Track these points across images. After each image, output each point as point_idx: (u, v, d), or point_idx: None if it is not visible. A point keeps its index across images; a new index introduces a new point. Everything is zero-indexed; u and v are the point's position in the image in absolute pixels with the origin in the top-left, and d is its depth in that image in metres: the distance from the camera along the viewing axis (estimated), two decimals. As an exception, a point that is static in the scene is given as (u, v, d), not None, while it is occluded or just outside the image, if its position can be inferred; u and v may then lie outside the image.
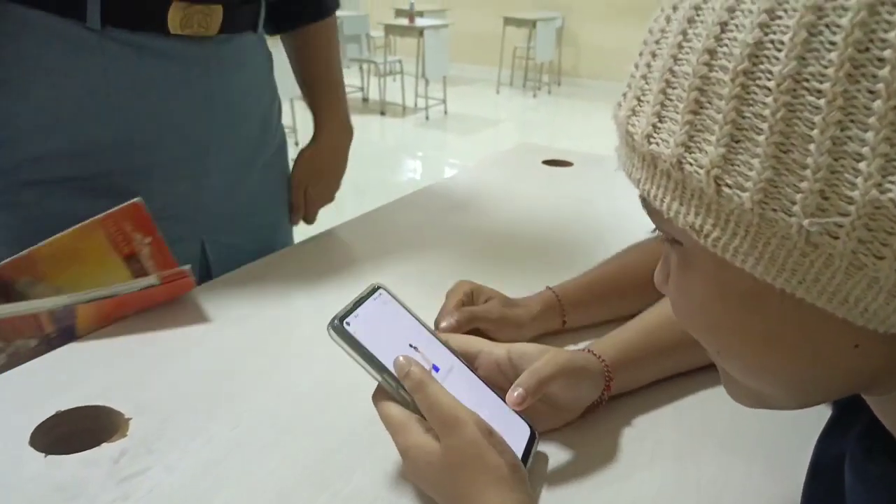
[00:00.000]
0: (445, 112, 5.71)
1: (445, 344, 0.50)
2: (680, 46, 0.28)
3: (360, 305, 0.47)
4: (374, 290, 0.49)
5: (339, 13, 0.90)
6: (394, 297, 0.50)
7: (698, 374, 0.60)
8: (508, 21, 6.43)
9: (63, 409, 0.53)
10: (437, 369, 0.47)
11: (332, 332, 0.44)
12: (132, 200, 0.65)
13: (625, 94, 0.33)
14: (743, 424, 0.55)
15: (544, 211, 1.02)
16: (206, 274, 0.78)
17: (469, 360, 0.51)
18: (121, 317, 0.66)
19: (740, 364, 0.34)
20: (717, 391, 0.59)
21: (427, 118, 5.53)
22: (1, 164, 0.65)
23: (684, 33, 0.28)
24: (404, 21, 5.61)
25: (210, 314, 0.69)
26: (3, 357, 0.62)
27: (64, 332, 0.63)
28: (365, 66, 5.73)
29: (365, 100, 5.88)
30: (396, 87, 5.81)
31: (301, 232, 0.96)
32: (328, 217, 1.00)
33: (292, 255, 0.86)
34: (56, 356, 0.61)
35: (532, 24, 6.29)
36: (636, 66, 0.32)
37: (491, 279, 0.68)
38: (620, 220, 0.99)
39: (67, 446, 0.50)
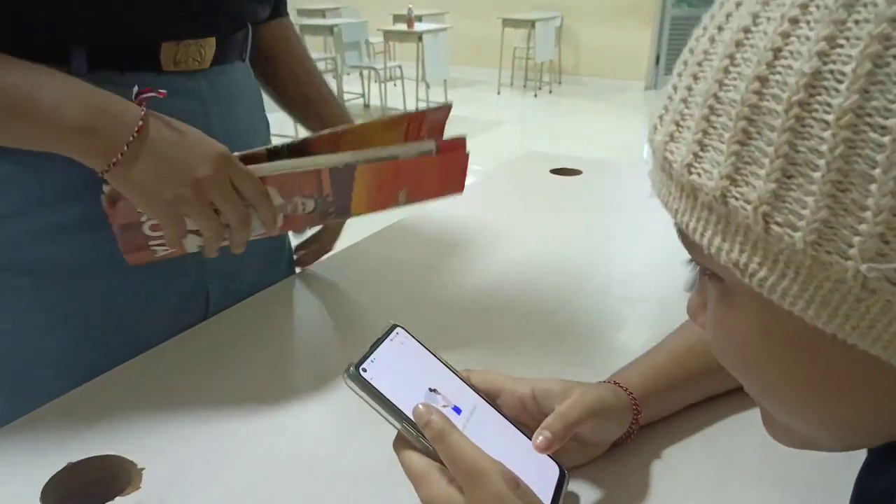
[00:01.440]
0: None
1: (467, 382, 0.48)
2: (727, 71, 0.26)
3: (377, 348, 0.45)
4: (391, 328, 0.48)
5: (338, 21, 0.86)
6: (412, 335, 0.48)
7: (727, 397, 0.58)
8: (507, 22, 6.42)
9: (74, 460, 0.52)
10: (458, 411, 0.45)
11: (348, 380, 0.43)
12: (444, 103, 0.71)
13: (661, 117, 0.31)
14: (777, 454, 0.53)
15: (556, 228, 1.00)
16: (205, 311, 0.75)
17: (492, 397, 0.49)
18: (393, 197, 0.69)
19: (782, 405, 0.32)
20: (747, 416, 0.57)
21: (429, 123, 5.51)
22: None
23: (731, 57, 0.26)
24: (403, 26, 5.59)
25: (216, 354, 0.67)
26: (281, 218, 0.63)
27: (338, 201, 0.65)
28: (365, 72, 5.72)
29: (366, 106, 5.87)
30: (397, 92, 5.79)
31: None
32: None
33: (296, 285, 0.84)
34: (67, 401, 0.59)
35: (531, 24, 6.27)
36: (674, 88, 0.30)
37: (505, 310, 0.66)
38: (632, 232, 0.98)
39: (80, 501, 0.49)
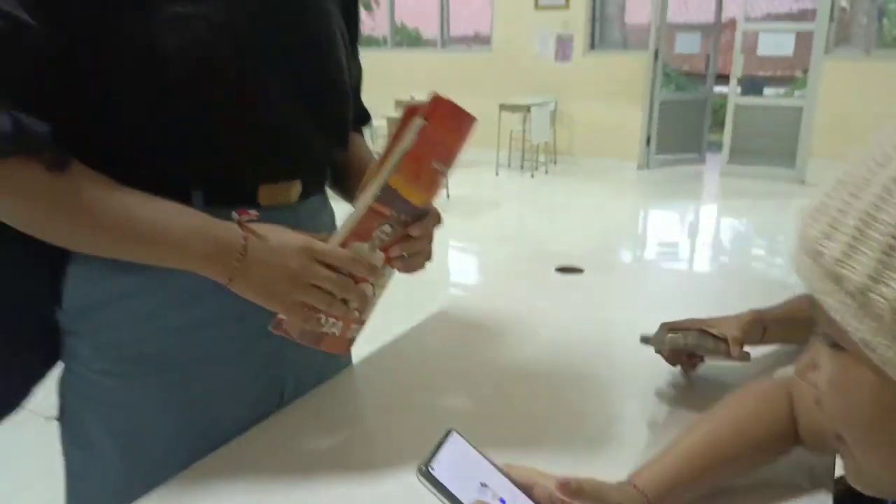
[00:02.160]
0: (448, 196, 5.91)
1: (507, 476, 0.61)
2: (882, 198, 0.37)
3: (440, 450, 0.58)
4: (448, 434, 0.61)
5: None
6: (464, 438, 0.62)
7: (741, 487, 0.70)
8: (504, 107, 6.73)
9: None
10: (504, 502, 0.58)
11: (421, 477, 0.56)
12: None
13: (815, 217, 0.42)
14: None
15: (564, 325, 1.14)
16: (280, 400, 0.89)
17: (526, 490, 0.62)
18: (433, 174, 0.76)
19: (877, 457, 0.42)
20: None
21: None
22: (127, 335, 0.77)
23: (888, 189, 0.37)
24: (405, 112, 5.86)
25: (294, 441, 0.80)
26: (379, 256, 0.75)
27: (403, 208, 0.75)
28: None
29: (370, 187, 6.09)
30: (400, 173, 6.02)
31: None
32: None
33: (355, 374, 0.97)
34: (170, 489, 0.72)
35: (527, 108, 6.59)
36: (829, 196, 0.41)
37: (517, 414, 0.79)
38: (632, 329, 1.12)
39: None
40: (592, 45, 7.22)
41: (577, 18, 7.10)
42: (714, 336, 0.89)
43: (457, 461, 0.59)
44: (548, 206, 6.05)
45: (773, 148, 6.55)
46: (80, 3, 0.65)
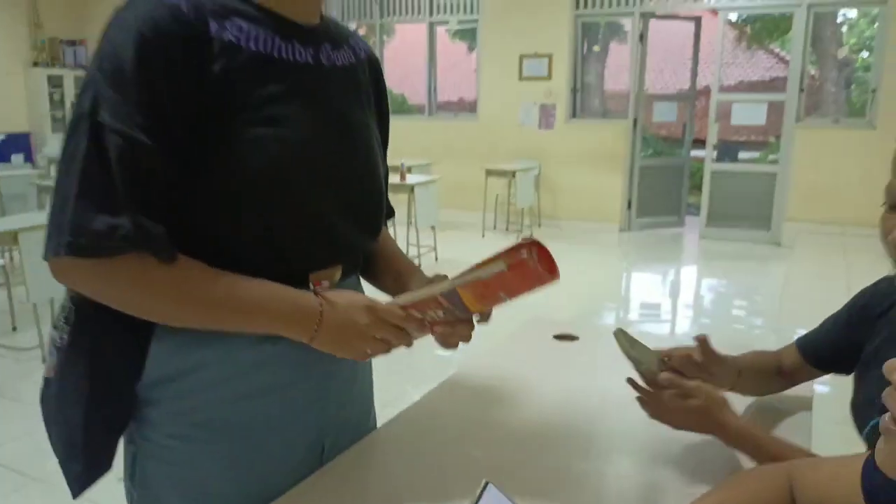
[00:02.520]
0: (436, 259, 6.06)
1: None
2: None
3: (479, 500, 0.69)
4: (485, 486, 0.72)
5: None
6: (498, 489, 0.73)
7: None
8: (490, 172, 6.96)
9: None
10: None
11: None
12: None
13: None
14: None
15: (563, 388, 1.26)
16: (321, 460, 1.00)
17: None
18: (496, 298, 0.86)
19: None
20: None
21: (419, 265, 5.85)
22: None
23: None
24: (395, 178, 6.07)
25: (338, 497, 0.90)
26: (418, 329, 0.89)
27: (459, 307, 0.87)
28: (359, 218, 6.12)
29: (360, 249, 6.22)
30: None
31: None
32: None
33: (380, 435, 1.08)
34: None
35: (512, 174, 6.82)
36: None
37: (535, 470, 0.90)
38: (625, 394, 1.24)
39: None
40: (574, 114, 7.54)
41: (559, 88, 7.43)
42: (658, 361, 1.03)
43: None
44: (534, 267, 6.20)
45: (750, 211, 6.81)
46: (182, 128, 0.80)
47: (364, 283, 1.10)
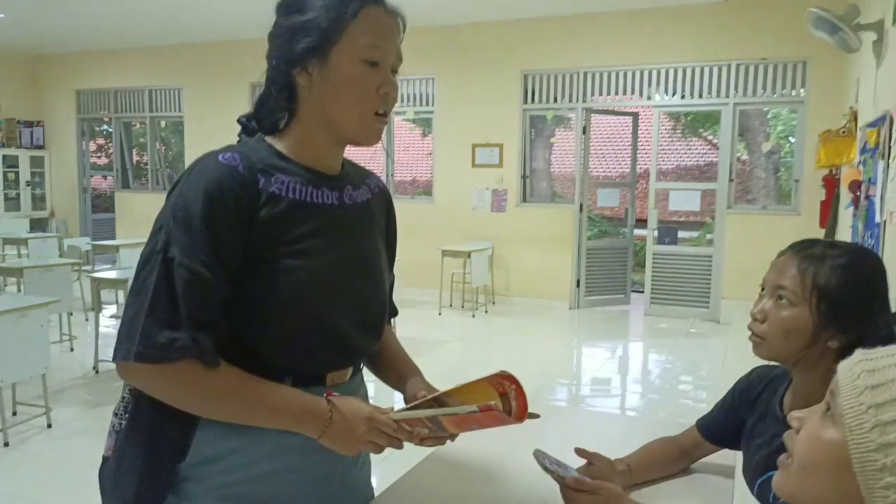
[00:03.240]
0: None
1: None
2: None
3: None
4: None
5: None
6: None
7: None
8: (446, 253, 7.27)
9: None
10: None
11: None
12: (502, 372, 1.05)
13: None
14: None
15: (528, 466, 1.49)
16: None
17: None
18: (469, 428, 1.08)
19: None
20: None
21: (380, 343, 6.03)
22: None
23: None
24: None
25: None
26: (406, 439, 1.08)
27: (440, 429, 1.07)
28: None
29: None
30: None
31: None
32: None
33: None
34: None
35: (467, 254, 7.14)
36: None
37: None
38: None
39: None
40: (524, 199, 7.99)
41: (509, 175, 7.90)
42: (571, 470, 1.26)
43: None
44: (490, 344, 6.45)
45: (690, 290, 7.25)
46: (234, 261, 1.04)
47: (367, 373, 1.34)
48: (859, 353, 0.73)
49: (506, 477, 1.41)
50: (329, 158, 1.17)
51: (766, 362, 1.30)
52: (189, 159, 9.74)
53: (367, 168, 1.31)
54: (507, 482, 1.39)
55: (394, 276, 1.36)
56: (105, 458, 1.12)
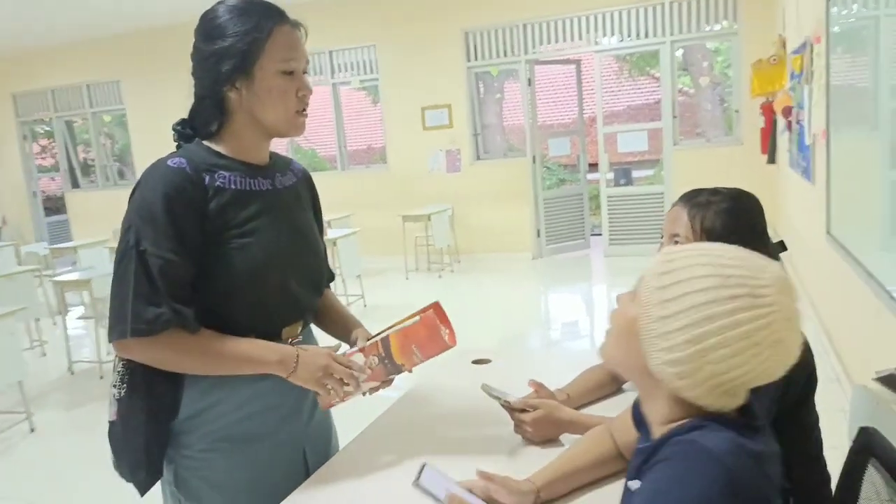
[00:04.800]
0: (365, 305, 6.38)
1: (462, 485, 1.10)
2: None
3: (419, 478, 1.07)
4: (422, 466, 1.09)
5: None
6: (434, 468, 1.09)
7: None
8: (407, 218, 7.38)
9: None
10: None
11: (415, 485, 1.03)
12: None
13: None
14: None
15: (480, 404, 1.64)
16: (307, 470, 1.40)
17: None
18: (412, 353, 1.30)
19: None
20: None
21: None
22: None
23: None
24: (318, 233, 6.37)
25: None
26: (368, 370, 1.32)
27: (388, 356, 1.31)
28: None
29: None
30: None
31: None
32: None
33: (351, 449, 1.43)
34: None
35: (427, 217, 7.26)
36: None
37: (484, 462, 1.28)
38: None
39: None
40: (478, 156, 8.10)
41: (461, 135, 7.99)
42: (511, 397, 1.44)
43: (434, 478, 1.07)
44: (459, 302, 6.61)
45: (645, 227, 7.48)
46: (195, 247, 1.23)
47: (316, 330, 1.55)
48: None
49: (471, 419, 1.56)
50: (260, 152, 1.39)
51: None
52: (137, 151, 9.63)
53: (287, 157, 1.53)
54: (473, 424, 1.53)
55: (325, 244, 1.55)
56: (112, 423, 1.32)
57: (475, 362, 1.92)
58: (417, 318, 1.32)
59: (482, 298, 6.55)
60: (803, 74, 4.24)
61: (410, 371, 1.35)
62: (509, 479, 1.12)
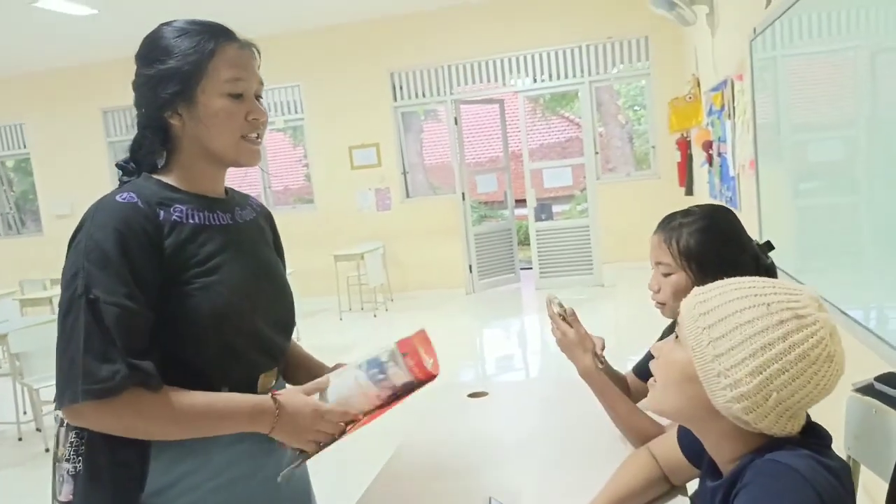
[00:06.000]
0: (301, 348, 6.20)
1: None
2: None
3: None
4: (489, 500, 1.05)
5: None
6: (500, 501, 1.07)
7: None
8: (339, 257, 7.28)
9: None
10: None
11: None
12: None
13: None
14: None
15: (486, 436, 1.62)
16: None
17: None
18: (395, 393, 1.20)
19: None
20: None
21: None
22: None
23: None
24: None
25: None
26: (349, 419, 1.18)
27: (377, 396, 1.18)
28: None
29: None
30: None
31: None
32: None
33: None
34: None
35: (360, 256, 7.19)
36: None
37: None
38: (528, 443, 1.62)
39: None
40: (407, 194, 8.13)
41: (390, 173, 8.01)
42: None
43: None
44: (395, 340, 6.53)
45: (573, 259, 7.68)
46: (152, 290, 1.11)
47: None
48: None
49: (472, 469, 1.49)
50: (215, 184, 1.28)
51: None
52: (42, 197, 9.10)
53: (243, 191, 1.41)
54: (475, 474, 1.46)
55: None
56: None
57: (471, 396, 1.90)
58: (407, 335, 1.23)
59: (420, 336, 6.48)
60: (724, 110, 4.52)
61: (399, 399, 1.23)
62: None
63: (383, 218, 8.08)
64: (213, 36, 1.18)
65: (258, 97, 1.23)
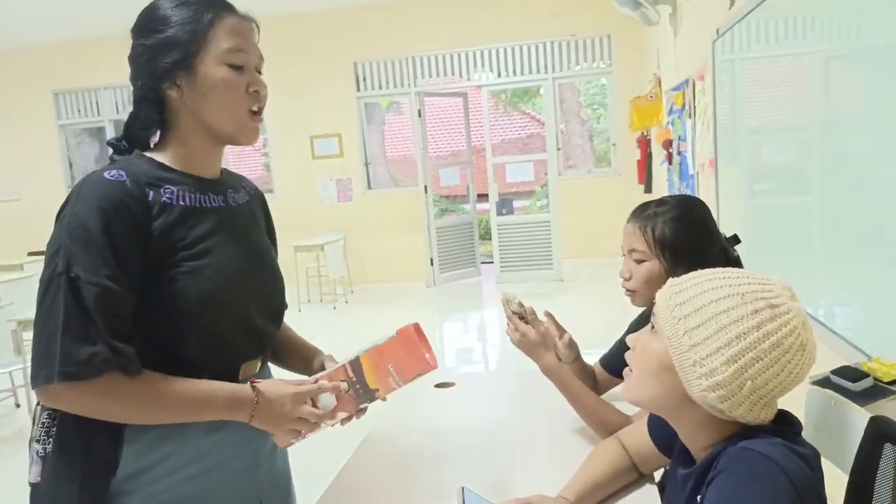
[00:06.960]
0: (260, 339, 6.11)
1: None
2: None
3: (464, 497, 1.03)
4: (462, 490, 1.05)
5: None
6: (473, 491, 1.07)
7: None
8: (299, 248, 7.20)
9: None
10: None
11: None
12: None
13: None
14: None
15: (453, 425, 1.63)
16: None
17: None
18: (387, 373, 1.15)
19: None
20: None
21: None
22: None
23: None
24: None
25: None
26: (334, 398, 1.15)
27: (360, 380, 1.16)
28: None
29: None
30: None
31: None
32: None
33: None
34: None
35: (320, 247, 7.12)
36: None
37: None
38: (496, 433, 1.63)
39: None
40: (369, 186, 8.08)
41: (352, 164, 7.95)
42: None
43: (476, 501, 1.05)
44: (354, 332, 6.50)
45: (534, 254, 7.75)
46: (137, 272, 1.07)
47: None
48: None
49: (441, 458, 1.49)
50: (210, 164, 1.24)
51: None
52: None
53: (239, 173, 1.38)
54: (445, 463, 1.47)
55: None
56: (34, 485, 1.11)
57: (437, 386, 1.90)
58: (393, 333, 1.18)
59: (378, 329, 6.40)
60: (685, 109, 4.61)
61: (384, 399, 1.21)
62: (545, 497, 1.12)
63: (344, 209, 8.02)
64: (212, 5, 1.16)
65: (258, 72, 1.20)
